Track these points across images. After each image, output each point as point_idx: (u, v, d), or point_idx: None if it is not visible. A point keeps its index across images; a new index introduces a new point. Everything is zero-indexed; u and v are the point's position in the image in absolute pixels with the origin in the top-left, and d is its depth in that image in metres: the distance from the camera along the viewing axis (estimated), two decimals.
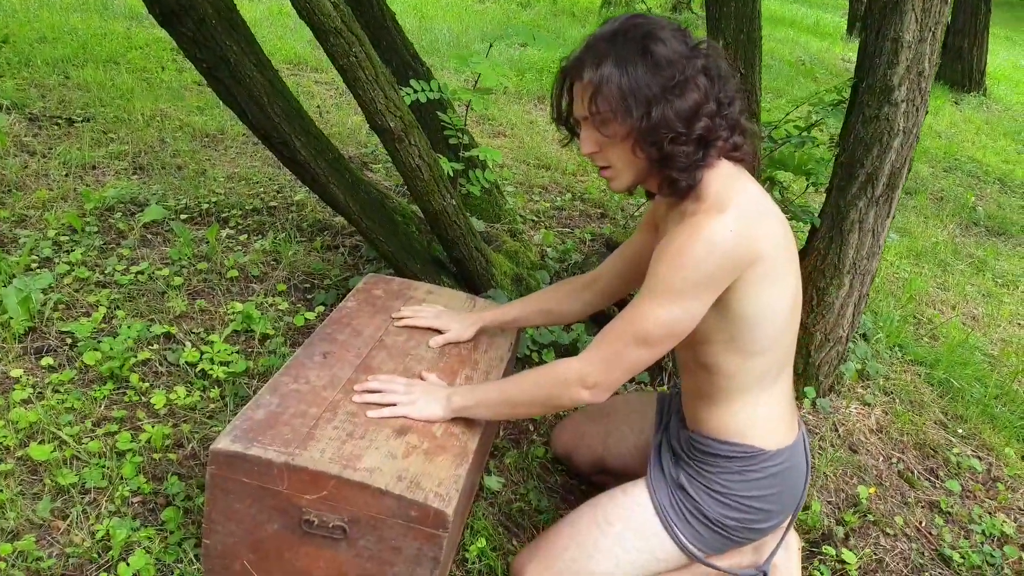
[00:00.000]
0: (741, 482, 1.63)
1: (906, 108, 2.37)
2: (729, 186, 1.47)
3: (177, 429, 2.11)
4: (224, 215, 3.28)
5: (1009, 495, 2.46)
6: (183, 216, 3.24)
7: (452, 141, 2.63)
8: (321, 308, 2.73)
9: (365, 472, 1.51)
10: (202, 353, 2.40)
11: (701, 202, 1.46)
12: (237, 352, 2.45)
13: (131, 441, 2.02)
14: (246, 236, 3.12)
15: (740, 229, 1.41)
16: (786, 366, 1.64)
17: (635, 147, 1.47)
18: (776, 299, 1.50)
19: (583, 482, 2.22)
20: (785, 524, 1.74)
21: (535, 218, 3.71)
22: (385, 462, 1.55)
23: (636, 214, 3.85)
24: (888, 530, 2.21)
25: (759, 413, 1.63)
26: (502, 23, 8.97)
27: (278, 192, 3.57)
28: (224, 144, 4.18)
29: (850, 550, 2.09)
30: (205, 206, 3.32)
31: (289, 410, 1.66)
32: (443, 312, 2.04)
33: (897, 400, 2.82)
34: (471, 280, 2.68)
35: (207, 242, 2.97)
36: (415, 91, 2.47)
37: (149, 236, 3.06)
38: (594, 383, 1.51)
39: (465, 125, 2.64)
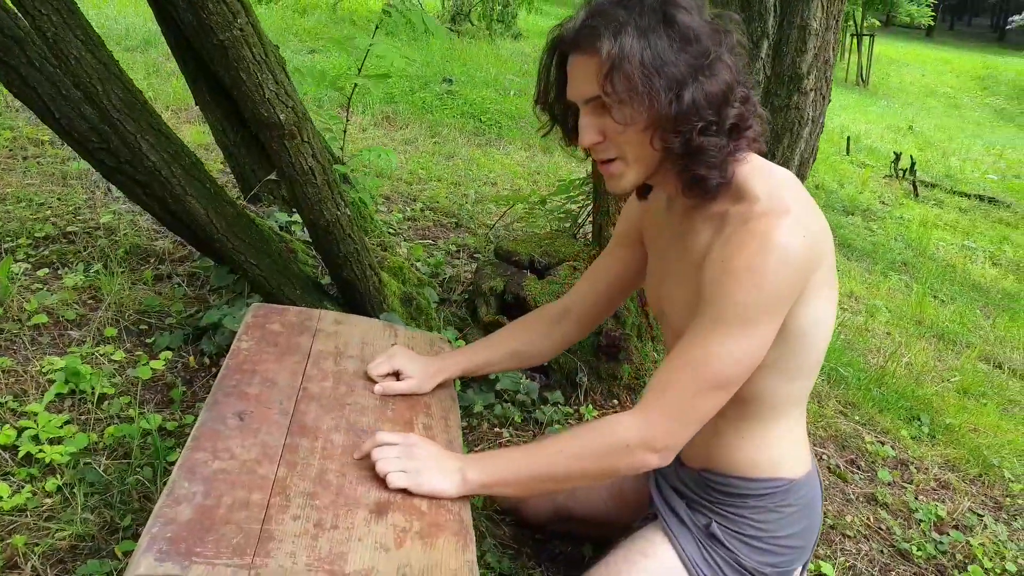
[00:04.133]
0: (777, 520, 1.41)
1: (814, 97, 2.32)
2: (772, 180, 1.24)
3: (6, 545, 1.52)
4: (6, 246, 2.56)
5: (923, 477, 2.49)
6: None
7: (328, 137, 2.20)
8: (167, 354, 2.17)
9: None
10: (20, 430, 1.78)
11: (751, 202, 1.21)
12: (69, 423, 1.85)
13: None
14: (46, 270, 2.44)
15: (810, 229, 1.19)
16: None
17: (655, 137, 1.19)
18: (829, 306, 1.30)
19: (535, 529, 1.91)
20: (805, 561, 1.54)
21: (391, 231, 3.32)
22: (378, 558, 1.15)
23: (493, 224, 3.58)
24: (848, 532, 2.12)
25: (792, 438, 1.42)
26: (282, 28, 8.33)
27: (75, 215, 2.88)
28: None
29: (824, 560, 1.97)
30: None
31: (223, 500, 1.20)
32: (399, 353, 1.63)
33: None
34: (359, 305, 2.27)
35: None
36: None
37: None
38: (664, 445, 1.22)
39: (348, 120, 2.22)
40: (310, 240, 2.65)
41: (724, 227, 1.23)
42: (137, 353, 2.17)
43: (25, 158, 3.43)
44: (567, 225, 2.98)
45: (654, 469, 1.54)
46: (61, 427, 1.82)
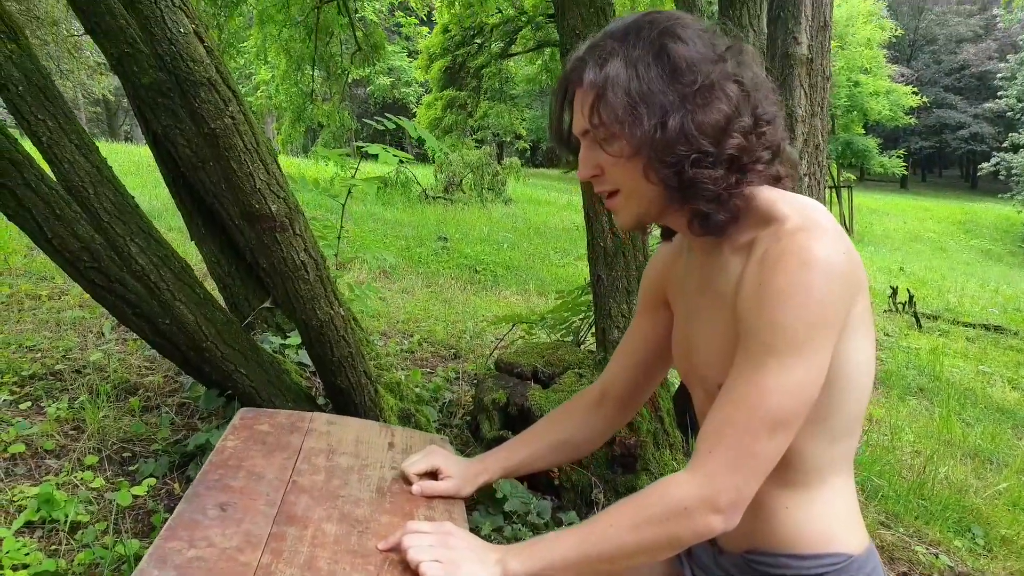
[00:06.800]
0: None
1: (809, 182, 2.32)
2: (802, 202, 1.14)
3: None
4: None
5: None
6: None
7: (323, 243, 2.16)
8: (152, 481, 2.03)
9: None
10: None
11: (781, 222, 1.11)
12: (39, 549, 1.68)
13: None
14: (28, 404, 2.33)
15: (849, 250, 1.08)
16: None
17: (648, 169, 1.14)
18: (868, 349, 1.17)
19: None
20: None
21: (390, 362, 3.23)
22: None
23: (492, 350, 3.50)
24: None
25: (842, 508, 1.24)
26: None
27: (64, 355, 2.80)
28: None
29: None
30: None
31: None
32: (437, 451, 1.50)
33: None
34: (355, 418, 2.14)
35: None
36: None
37: None
38: (729, 503, 1.06)
39: (343, 224, 2.20)
40: (304, 362, 2.57)
41: (754, 252, 1.12)
42: (118, 481, 2.02)
43: (21, 310, 3.40)
44: (568, 339, 2.90)
45: (695, 552, 1.38)
46: (28, 554, 1.65)
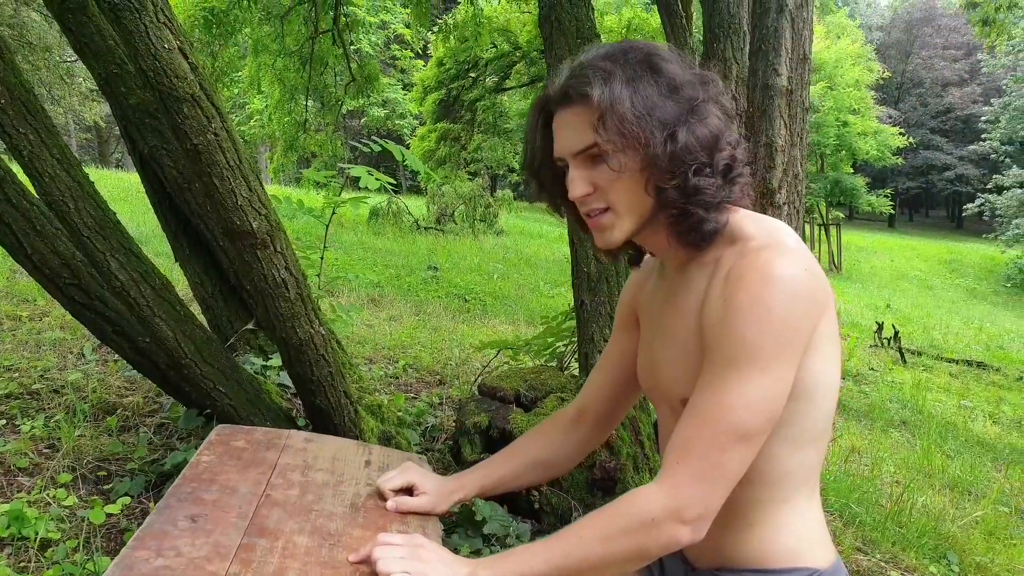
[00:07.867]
0: None
1: (788, 211, 2.35)
2: (767, 222, 1.20)
3: None
4: None
5: None
6: None
7: (305, 263, 2.17)
8: (126, 500, 2.00)
9: None
10: None
11: (746, 240, 1.15)
12: (7, 566, 1.66)
13: None
14: (3, 423, 2.31)
15: (812, 268, 1.11)
16: None
17: (649, 182, 1.16)
18: (833, 365, 1.19)
19: None
20: None
21: (373, 386, 3.22)
22: None
23: (478, 376, 3.49)
24: None
25: (809, 521, 1.26)
26: None
27: (42, 375, 2.78)
28: None
29: None
30: None
31: None
32: (413, 468, 1.50)
33: None
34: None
35: None
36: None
37: None
38: (696, 515, 1.07)
39: (325, 245, 2.21)
40: (285, 384, 2.57)
41: (719, 269, 1.15)
42: (92, 499, 1.99)
43: (0, 330, 3.38)
44: (553, 364, 2.91)
45: (668, 569, 1.38)
46: None
